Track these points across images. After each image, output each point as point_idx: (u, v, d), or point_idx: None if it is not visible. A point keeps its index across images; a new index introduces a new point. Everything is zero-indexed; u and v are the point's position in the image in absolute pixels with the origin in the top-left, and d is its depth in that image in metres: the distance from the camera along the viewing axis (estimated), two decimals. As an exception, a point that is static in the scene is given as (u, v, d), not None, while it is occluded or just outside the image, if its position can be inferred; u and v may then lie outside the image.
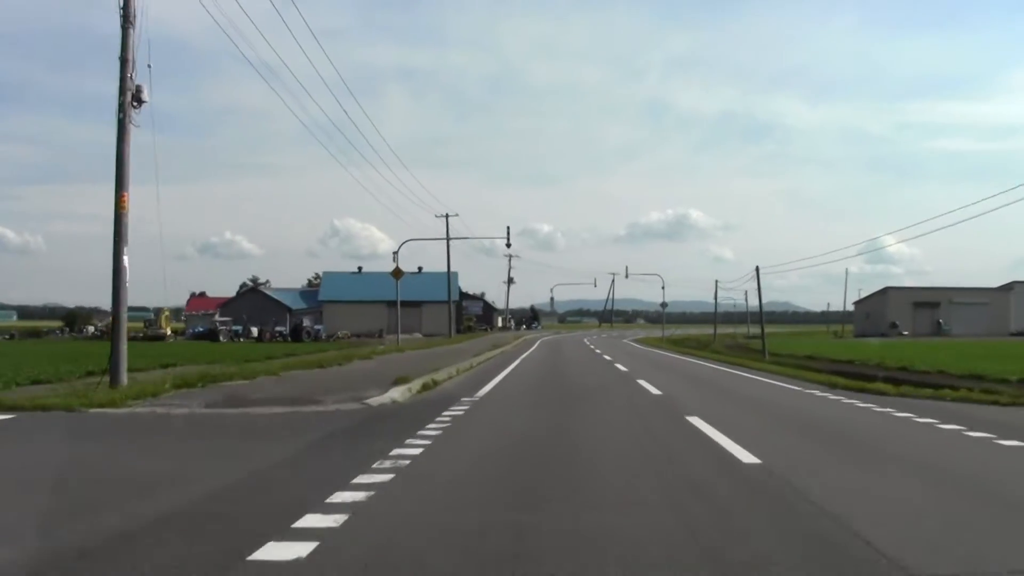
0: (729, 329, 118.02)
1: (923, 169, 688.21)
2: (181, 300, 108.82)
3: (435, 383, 17.55)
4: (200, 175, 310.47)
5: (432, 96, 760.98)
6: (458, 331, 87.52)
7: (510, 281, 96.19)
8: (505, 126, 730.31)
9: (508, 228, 43.23)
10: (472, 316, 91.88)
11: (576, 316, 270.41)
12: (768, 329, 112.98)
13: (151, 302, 74.51)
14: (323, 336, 73.86)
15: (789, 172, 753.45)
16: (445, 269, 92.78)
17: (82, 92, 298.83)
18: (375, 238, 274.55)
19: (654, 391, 17.32)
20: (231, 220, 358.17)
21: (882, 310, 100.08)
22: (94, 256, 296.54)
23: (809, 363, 36.92)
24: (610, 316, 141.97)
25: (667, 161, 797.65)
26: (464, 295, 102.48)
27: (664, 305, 63.85)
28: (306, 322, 72.47)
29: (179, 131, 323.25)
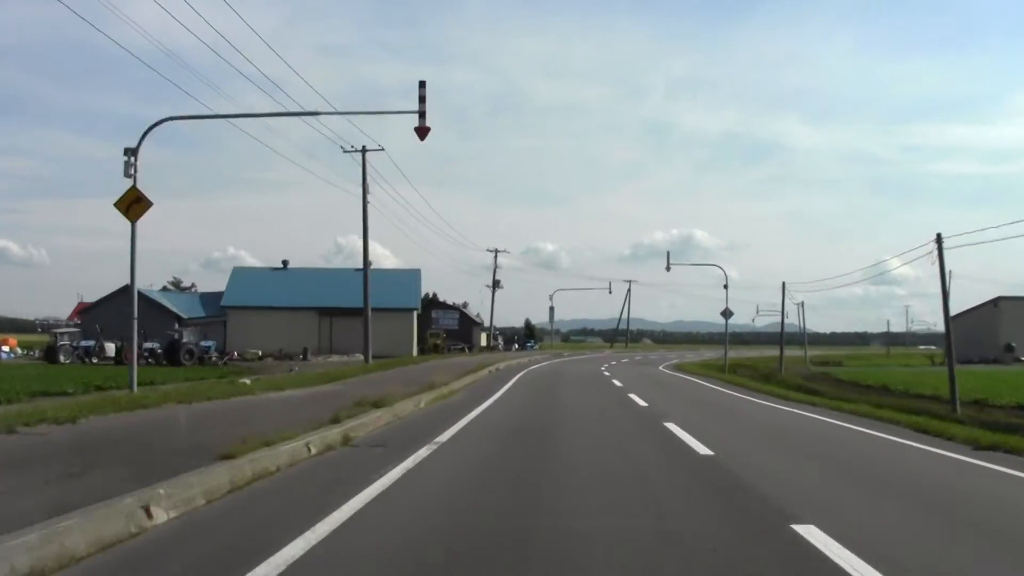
0: (765, 352, 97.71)
1: (928, 191, 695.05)
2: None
3: None
4: (204, 190, 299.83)
5: (435, 114, 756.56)
6: (421, 351, 66.07)
7: (495, 285, 74.94)
8: (508, 145, 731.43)
9: (422, 84, 19.11)
10: (440, 332, 70.30)
11: (580, 335, 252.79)
12: (809, 352, 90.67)
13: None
14: (213, 357, 52.59)
15: (793, 193, 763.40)
16: (409, 266, 71.67)
17: (87, 107, 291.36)
18: (378, 254, 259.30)
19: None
20: (234, 235, 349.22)
21: (992, 327, 78.59)
22: (96, 270, 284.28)
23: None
24: (624, 335, 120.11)
25: (670, 181, 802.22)
26: (434, 303, 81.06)
27: (728, 314, 42.55)
28: (187, 337, 51.20)
29: (184, 146, 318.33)
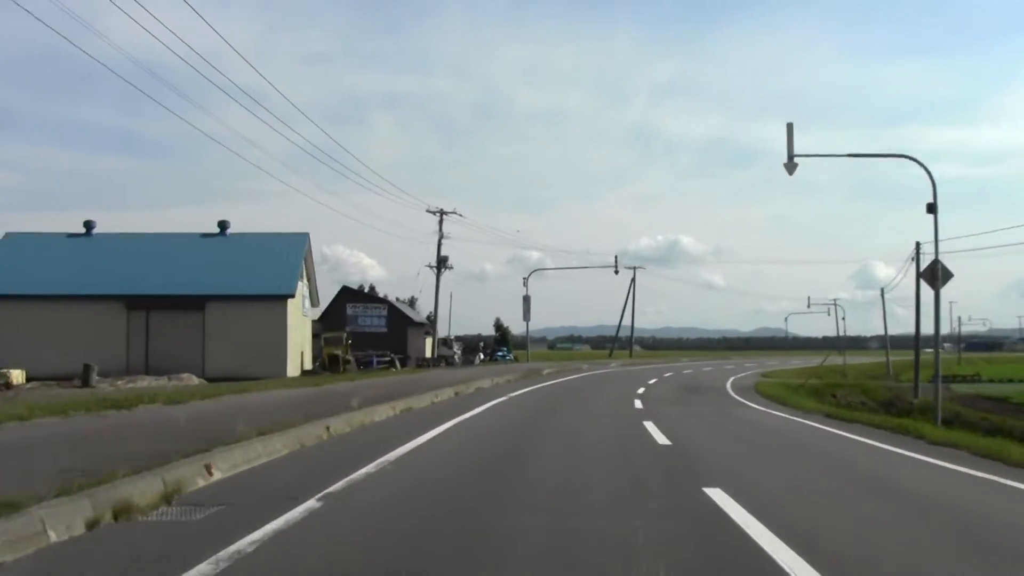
0: (808, 360, 75.12)
1: (913, 194, 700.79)
2: None
3: None
4: (190, 201, 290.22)
5: (419, 122, 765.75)
6: (313, 369, 41.56)
7: (441, 264, 50.20)
8: (492, 152, 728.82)
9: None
10: (342, 336, 44.76)
11: (567, 342, 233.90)
12: (849, 359, 59.84)
13: None
14: None
15: (778, 198, 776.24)
16: (291, 230, 46.25)
17: (70, 119, 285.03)
18: (364, 264, 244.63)
19: None
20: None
21: None
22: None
23: None
24: (628, 340, 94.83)
25: (655, 187, 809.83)
26: (350, 293, 56.25)
27: (944, 275, 18.02)
28: None
29: (170, 157, 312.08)
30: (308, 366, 42.79)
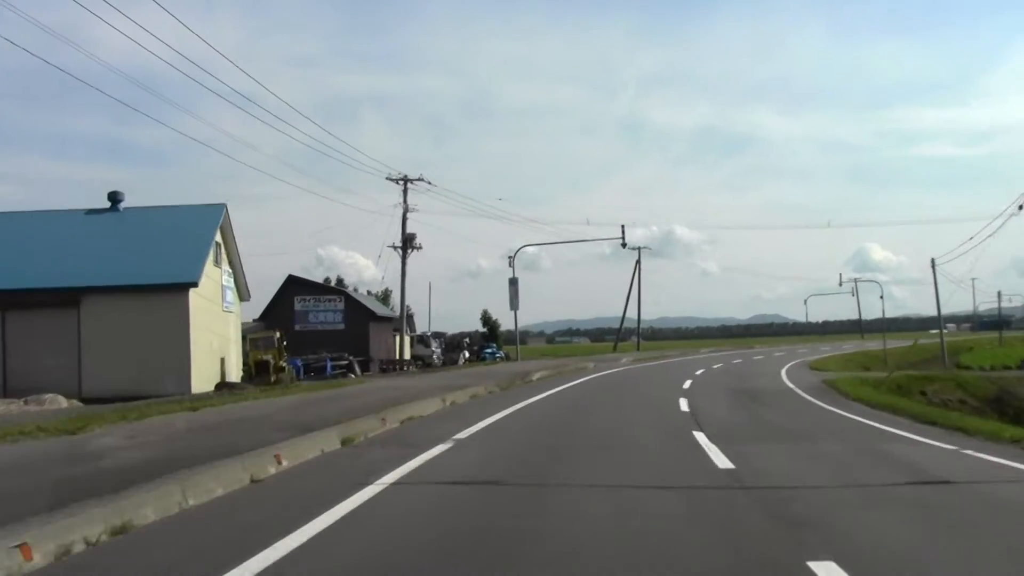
0: (841, 345, 66.73)
1: (907, 175, 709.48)
2: None
3: None
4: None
5: (408, 121, 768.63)
6: (253, 373, 32.44)
7: (407, 244, 40.97)
8: (484, 148, 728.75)
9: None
10: (273, 336, 35.04)
11: (566, 336, 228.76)
12: (869, 343, 51.86)
13: None
14: None
15: (770, 183, 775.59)
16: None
17: (61, 130, 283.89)
18: (360, 265, 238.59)
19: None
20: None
21: None
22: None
23: None
24: (636, 329, 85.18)
25: (648, 177, 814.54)
26: (298, 283, 46.78)
27: None
28: None
29: (162, 163, 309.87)
30: (235, 376, 33.50)
